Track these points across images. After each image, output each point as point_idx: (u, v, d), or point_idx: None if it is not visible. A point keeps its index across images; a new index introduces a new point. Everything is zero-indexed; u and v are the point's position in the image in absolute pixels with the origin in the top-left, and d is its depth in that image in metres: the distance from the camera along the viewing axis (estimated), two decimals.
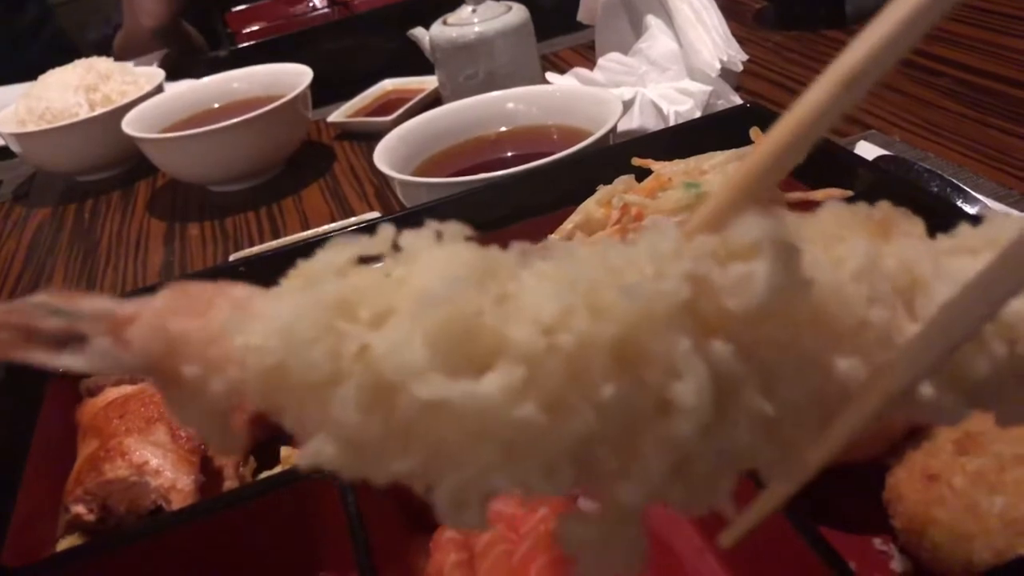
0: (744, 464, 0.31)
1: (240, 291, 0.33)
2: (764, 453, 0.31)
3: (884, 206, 0.35)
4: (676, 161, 0.87)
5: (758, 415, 0.30)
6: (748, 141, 0.85)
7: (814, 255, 0.32)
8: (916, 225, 0.35)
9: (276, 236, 1.26)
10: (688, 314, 0.29)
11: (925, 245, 0.34)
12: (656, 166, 0.87)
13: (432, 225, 0.31)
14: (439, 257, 0.30)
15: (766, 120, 0.86)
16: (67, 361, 0.32)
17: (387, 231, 0.32)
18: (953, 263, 0.33)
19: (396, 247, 0.31)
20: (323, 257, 0.32)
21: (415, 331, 0.28)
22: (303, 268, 0.32)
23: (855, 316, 0.32)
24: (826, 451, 0.33)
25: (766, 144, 0.30)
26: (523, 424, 0.28)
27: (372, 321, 0.29)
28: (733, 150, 0.87)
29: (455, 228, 0.31)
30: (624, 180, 0.86)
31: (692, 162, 0.86)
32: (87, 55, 1.68)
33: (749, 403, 0.30)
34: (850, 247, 0.33)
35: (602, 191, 0.86)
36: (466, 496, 0.30)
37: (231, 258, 1.09)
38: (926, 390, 0.32)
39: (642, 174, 0.87)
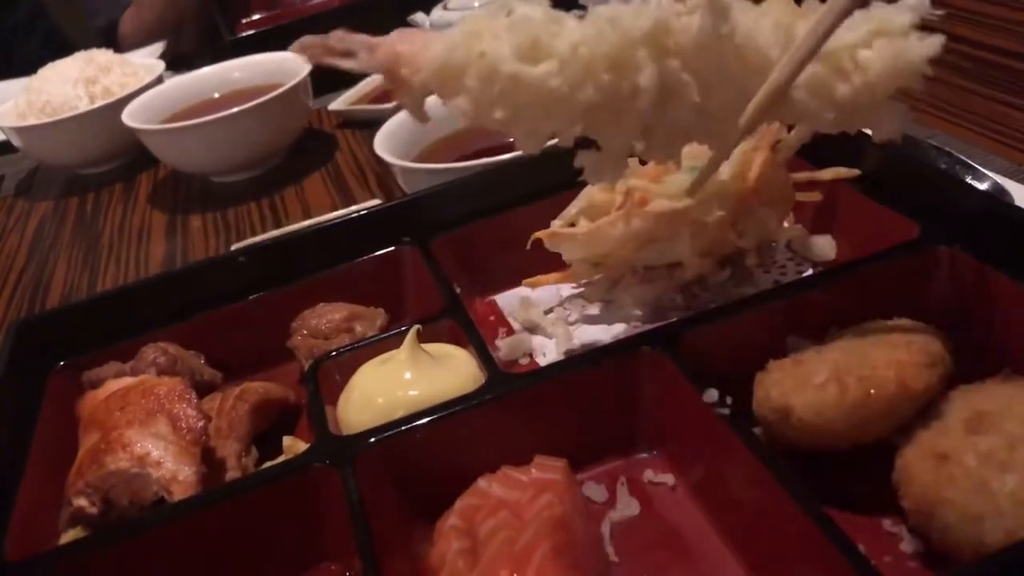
0: (689, 135, 0.59)
1: (431, 33, 0.58)
2: (700, 128, 0.58)
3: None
4: None
5: (694, 104, 0.56)
6: None
7: (743, 18, 0.57)
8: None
9: (278, 226, 1.25)
10: (652, 41, 0.54)
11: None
12: None
13: None
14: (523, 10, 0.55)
15: None
16: (346, 64, 0.60)
17: None
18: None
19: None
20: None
21: (507, 44, 0.54)
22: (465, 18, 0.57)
23: (763, 55, 0.57)
24: (740, 130, 0.58)
25: None
26: (554, 91, 0.54)
27: (488, 39, 0.54)
28: None
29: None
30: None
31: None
32: (84, 47, 1.68)
33: (689, 96, 0.56)
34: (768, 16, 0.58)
35: None
36: (530, 135, 0.56)
37: (232, 248, 1.08)
38: (798, 94, 0.57)
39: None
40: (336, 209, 1.24)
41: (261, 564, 0.64)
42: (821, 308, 0.67)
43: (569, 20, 0.55)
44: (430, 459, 0.65)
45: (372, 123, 1.50)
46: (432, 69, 0.55)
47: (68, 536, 0.68)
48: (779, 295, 0.70)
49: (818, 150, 0.81)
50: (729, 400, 0.59)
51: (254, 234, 1.24)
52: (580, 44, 0.53)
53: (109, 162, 1.61)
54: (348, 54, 0.60)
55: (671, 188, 0.78)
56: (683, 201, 0.76)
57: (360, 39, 0.60)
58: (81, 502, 0.68)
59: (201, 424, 0.68)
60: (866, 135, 0.87)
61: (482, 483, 0.62)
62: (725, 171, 0.77)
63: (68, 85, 1.55)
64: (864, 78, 0.56)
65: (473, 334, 0.73)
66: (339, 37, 0.60)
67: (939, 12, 0.57)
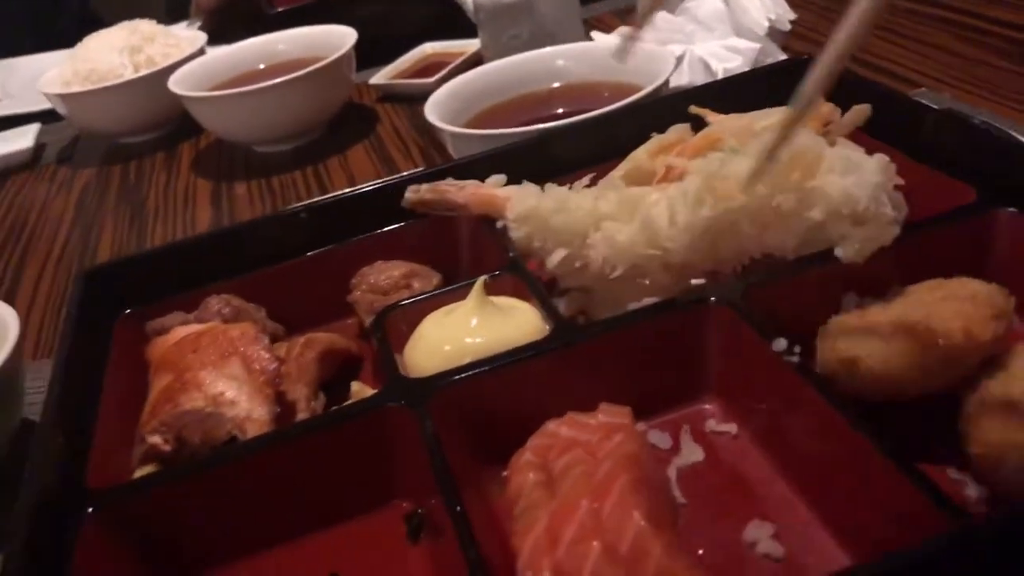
0: None
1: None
2: None
3: None
4: (732, 116, 0.87)
5: None
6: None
7: None
8: None
9: (323, 193, 1.27)
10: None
11: None
12: (712, 117, 0.88)
13: None
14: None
15: None
16: None
17: None
18: None
19: None
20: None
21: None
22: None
23: None
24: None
25: None
26: None
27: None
28: (789, 108, 0.86)
29: None
30: (678, 129, 0.87)
31: (747, 119, 0.85)
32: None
33: None
34: None
35: (655, 140, 0.86)
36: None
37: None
38: None
39: (698, 124, 0.87)
40: (380, 178, 1.26)
41: (333, 502, 0.66)
42: (882, 269, 0.68)
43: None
44: (498, 404, 0.67)
45: (412, 98, 1.52)
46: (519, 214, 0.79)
47: (142, 472, 0.70)
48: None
49: (871, 124, 0.82)
50: (797, 349, 0.61)
51: (299, 201, 1.26)
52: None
53: (151, 131, 1.63)
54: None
55: (710, 167, 0.79)
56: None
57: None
58: (155, 439, 0.70)
59: (274, 366, 0.70)
60: (921, 104, 0.88)
61: (551, 425, 0.63)
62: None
63: (113, 53, 1.57)
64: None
65: (536, 288, 0.75)
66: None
67: None
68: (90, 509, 0.61)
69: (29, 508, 0.60)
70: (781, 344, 0.61)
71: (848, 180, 0.66)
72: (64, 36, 1.73)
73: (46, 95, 1.57)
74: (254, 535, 0.66)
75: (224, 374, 0.70)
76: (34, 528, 0.59)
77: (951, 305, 0.60)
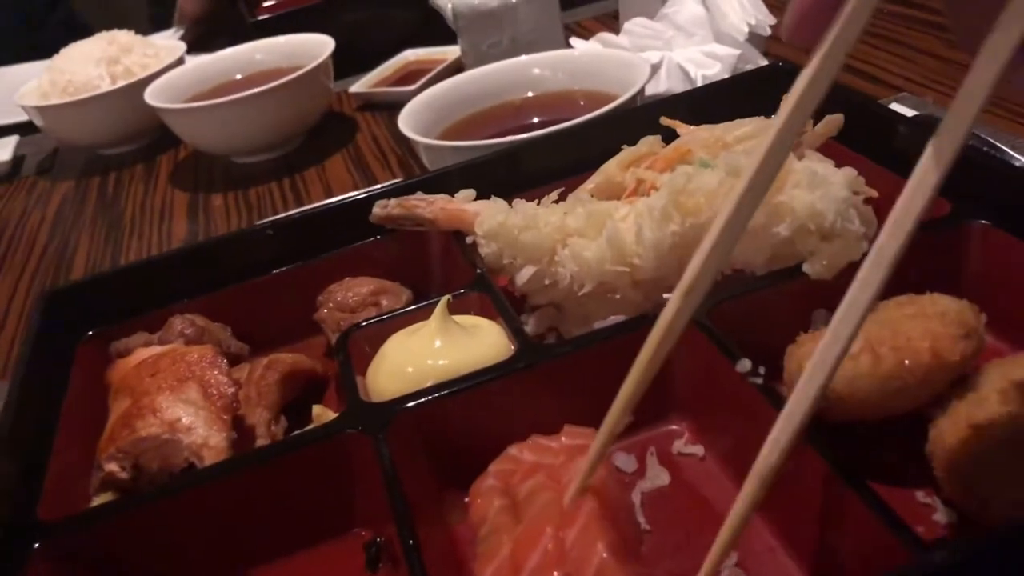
0: None
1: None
2: None
3: None
4: (703, 127, 0.85)
5: None
6: (779, 104, 0.83)
7: None
8: None
9: (300, 206, 1.25)
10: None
11: None
12: (683, 129, 0.86)
13: None
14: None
15: None
16: None
17: None
18: None
19: None
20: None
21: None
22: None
23: None
24: None
25: None
26: None
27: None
28: (760, 119, 0.85)
29: None
30: (648, 141, 0.85)
31: (718, 130, 0.84)
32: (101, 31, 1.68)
33: None
34: None
35: (625, 152, 0.85)
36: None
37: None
38: None
39: (670, 135, 0.86)
40: (357, 190, 1.25)
41: (291, 530, 0.65)
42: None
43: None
44: (460, 427, 0.65)
45: (392, 105, 1.50)
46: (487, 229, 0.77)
47: (99, 501, 0.69)
48: None
49: (844, 132, 0.80)
50: (762, 370, 0.59)
51: (276, 214, 1.25)
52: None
53: (130, 143, 1.61)
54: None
55: (677, 182, 0.77)
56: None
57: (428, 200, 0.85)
58: (112, 467, 0.68)
59: (232, 391, 0.69)
60: (895, 113, 0.87)
61: (513, 450, 0.62)
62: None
63: (90, 65, 1.55)
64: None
65: (502, 306, 0.74)
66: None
67: None
68: (37, 545, 0.60)
69: None
70: (745, 365, 0.60)
71: (815, 195, 0.64)
72: (52, 44, 1.71)
73: (24, 108, 1.56)
74: (212, 564, 0.64)
75: (181, 399, 0.68)
76: None
77: (920, 324, 0.59)
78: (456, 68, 1.51)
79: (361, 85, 1.57)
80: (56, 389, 0.78)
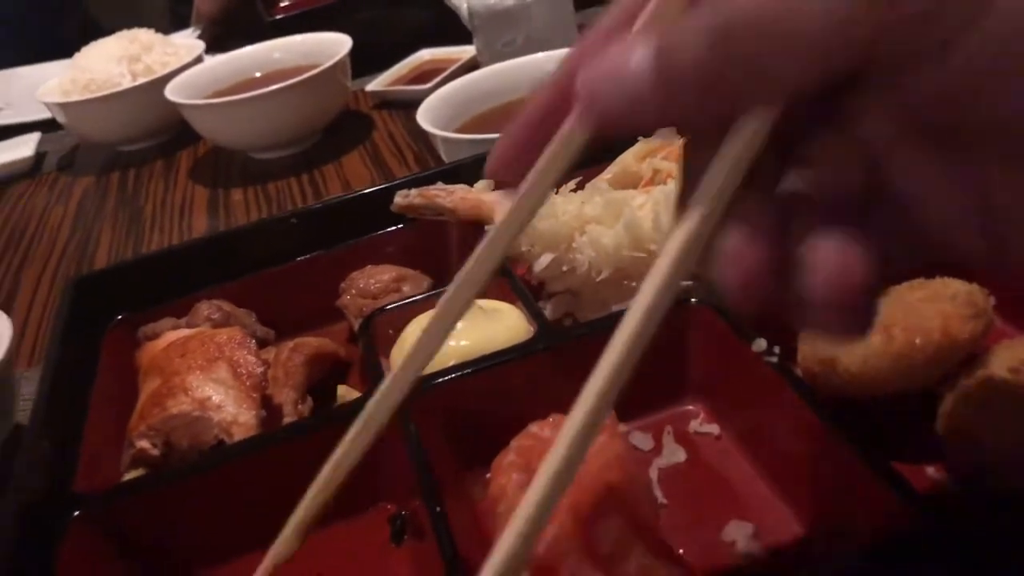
0: None
1: None
2: None
3: None
4: None
5: None
6: None
7: None
8: None
9: (319, 200, 1.27)
10: None
11: None
12: None
13: None
14: None
15: None
16: None
17: None
18: None
19: None
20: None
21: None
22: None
23: None
24: None
25: None
26: None
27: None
28: None
29: None
30: (664, 133, 0.87)
31: None
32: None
33: None
34: None
35: (641, 144, 0.87)
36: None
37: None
38: None
39: None
40: (375, 185, 1.27)
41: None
42: None
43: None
44: (481, 407, 0.67)
45: (408, 104, 1.53)
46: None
47: (130, 477, 0.71)
48: None
49: None
50: (777, 350, 0.61)
51: (295, 207, 1.27)
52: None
53: (150, 139, 1.64)
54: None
55: None
56: None
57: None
58: (143, 444, 0.70)
59: (261, 370, 0.71)
60: None
61: (534, 428, 0.64)
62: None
63: (112, 63, 1.58)
64: None
65: (521, 291, 0.75)
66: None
67: None
68: (76, 513, 0.62)
69: (15, 512, 0.60)
70: (761, 344, 0.61)
71: None
72: (67, 46, 1.75)
73: (46, 104, 1.58)
74: (241, 538, 0.66)
75: (211, 378, 0.70)
76: (20, 532, 0.59)
77: (931, 305, 0.60)
78: (471, 67, 1.52)
79: (377, 84, 1.59)
80: (86, 372, 0.80)
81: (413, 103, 1.52)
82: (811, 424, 0.56)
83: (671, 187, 0.72)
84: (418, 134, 1.42)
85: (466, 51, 1.59)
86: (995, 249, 0.30)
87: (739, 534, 0.57)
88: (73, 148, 1.75)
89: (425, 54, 1.67)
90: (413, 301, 0.79)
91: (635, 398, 0.68)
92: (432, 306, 0.77)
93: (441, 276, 0.90)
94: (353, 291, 0.86)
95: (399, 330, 0.76)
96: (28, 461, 0.65)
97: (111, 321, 0.86)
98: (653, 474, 0.64)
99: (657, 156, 0.83)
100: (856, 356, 0.60)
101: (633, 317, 0.32)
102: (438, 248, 0.92)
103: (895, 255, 0.32)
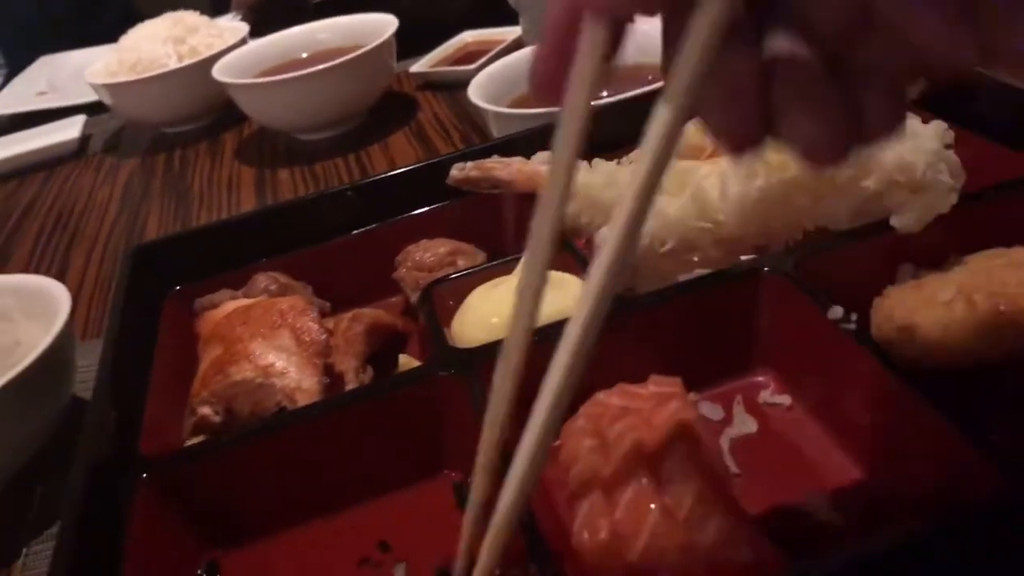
0: None
1: None
2: None
3: None
4: None
5: None
6: None
7: None
8: None
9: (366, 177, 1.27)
10: None
11: None
12: None
13: None
14: None
15: None
16: None
17: None
18: None
19: None
20: None
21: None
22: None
23: None
24: None
25: None
26: None
27: None
28: None
29: None
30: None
31: None
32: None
33: None
34: None
35: None
36: None
37: None
38: None
39: None
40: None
41: (382, 471, 0.66)
42: (939, 239, 0.67)
43: None
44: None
45: (452, 85, 1.52)
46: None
47: (192, 443, 0.71)
48: None
49: (928, 99, 0.80)
50: (854, 317, 0.60)
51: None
52: None
53: (194, 121, 1.65)
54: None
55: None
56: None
57: None
58: (205, 410, 0.70)
59: (324, 337, 0.70)
60: (979, 78, 0.86)
61: (600, 395, 0.63)
62: None
63: (158, 43, 1.58)
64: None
65: (583, 261, 0.75)
66: None
67: None
68: (144, 475, 0.62)
69: (84, 474, 0.60)
70: (837, 312, 0.60)
71: (904, 147, 0.65)
72: (108, 32, 1.76)
73: (92, 85, 1.59)
74: (303, 504, 0.66)
75: (274, 345, 0.70)
76: (89, 494, 0.59)
77: (1013, 272, 0.59)
78: (516, 48, 1.52)
79: (421, 65, 1.59)
80: (146, 341, 0.80)
81: (457, 84, 1.52)
82: (894, 391, 0.55)
83: None
84: (463, 115, 1.42)
85: (509, 32, 1.58)
86: (985, 49, 0.30)
87: (817, 503, 0.56)
88: (118, 130, 1.77)
89: (468, 36, 1.66)
90: (472, 272, 0.79)
91: (704, 368, 0.67)
92: (492, 277, 0.77)
93: (495, 250, 0.89)
94: (409, 264, 0.86)
95: (459, 300, 0.75)
96: (95, 424, 0.65)
97: (168, 292, 0.86)
98: (724, 444, 0.62)
99: None
100: (937, 323, 0.58)
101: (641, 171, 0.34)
102: (492, 222, 0.91)
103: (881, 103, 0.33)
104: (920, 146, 0.64)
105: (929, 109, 0.81)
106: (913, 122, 0.68)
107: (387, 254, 0.88)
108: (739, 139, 0.35)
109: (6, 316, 0.82)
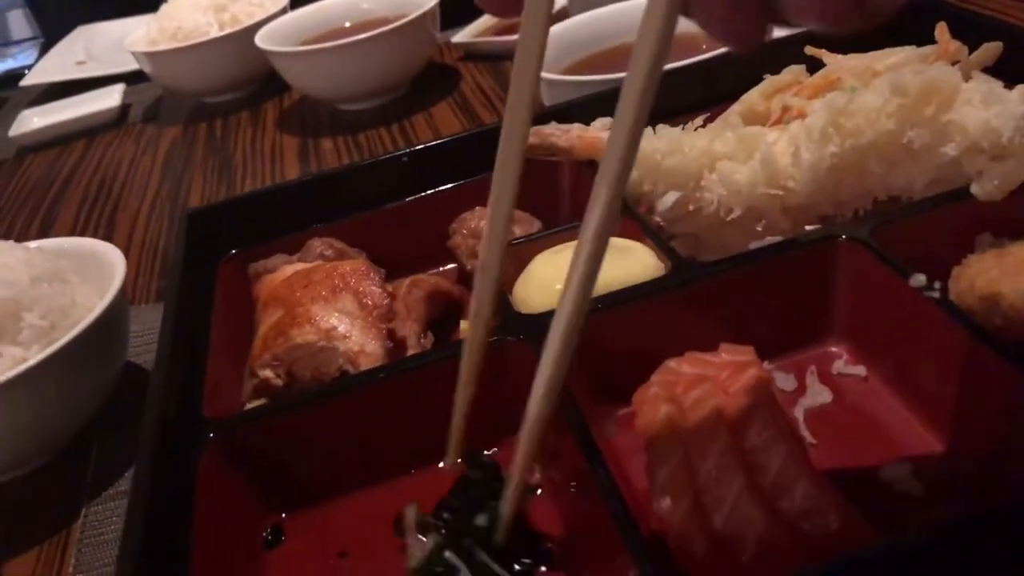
0: None
1: None
2: None
3: None
4: (851, 56, 0.83)
5: None
6: (930, 36, 0.81)
7: None
8: None
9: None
10: None
11: None
12: (829, 59, 0.84)
13: None
14: None
15: (950, 13, 0.82)
16: None
17: None
18: None
19: None
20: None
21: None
22: None
23: None
24: None
25: None
26: None
27: None
28: (911, 48, 0.82)
29: None
30: (794, 71, 0.84)
31: (867, 58, 0.82)
32: None
33: None
34: None
35: (768, 81, 0.84)
36: None
37: None
38: None
39: (813, 67, 0.84)
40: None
41: (445, 437, 0.65)
42: (1021, 207, 0.65)
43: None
44: (614, 343, 0.65)
45: (495, 56, 1.51)
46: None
47: (252, 406, 0.70)
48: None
49: (1000, 65, 0.78)
50: (938, 284, 0.58)
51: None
52: None
53: (235, 90, 1.64)
54: None
55: (836, 103, 0.76)
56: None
57: None
58: (266, 373, 0.70)
59: (387, 301, 0.70)
60: None
61: (672, 363, 0.62)
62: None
63: (198, 12, 1.58)
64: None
65: (648, 229, 0.73)
66: None
67: None
68: (211, 435, 0.61)
69: (155, 434, 0.60)
70: (920, 280, 0.58)
71: (991, 112, 0.63)
72: (145, 1, 1.75)
73: (133, 54, 1.59)
74: (365, 468, 0.66)
75: (336, 309, 0.70)
76: (160, 453, 0.59)
77: None
78: (558, 18, 1.50)
79: (464, 35, 1.57)
80: (203, 305, 0.80)
81: (500, 55, 1.50)
82: (981, 363, 0.53)
83: (812, 120, 0.69)
84: (507, 86, 1.39)
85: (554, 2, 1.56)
86: None
87: (898, 474, 0.55)
88: (157, 100, 1.76)
89: None
90: (534, 238, 0.77)
91: (774, 338, 0.66)
92: (554, 244, 0.76)
93: (550, 218, 0.88)
94: (464, 231, 0.85)
95: (520, 267, 0.74)
96: (161, 385, 0.65)
97: (223, 255, 0.86)
98: (799, 414, 0.61)
99: (787, 94, 0.80)
100: (1022, 292, 0.56)
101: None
102: (547, 190, 0.89)
103: None
104: (1008, 110, 0.62)
105: (1003, 78, 0.78)
106: (997, 87, 0.66)
107: (440, 222, 0.87)
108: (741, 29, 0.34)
109: (62, 277, 0.81)
